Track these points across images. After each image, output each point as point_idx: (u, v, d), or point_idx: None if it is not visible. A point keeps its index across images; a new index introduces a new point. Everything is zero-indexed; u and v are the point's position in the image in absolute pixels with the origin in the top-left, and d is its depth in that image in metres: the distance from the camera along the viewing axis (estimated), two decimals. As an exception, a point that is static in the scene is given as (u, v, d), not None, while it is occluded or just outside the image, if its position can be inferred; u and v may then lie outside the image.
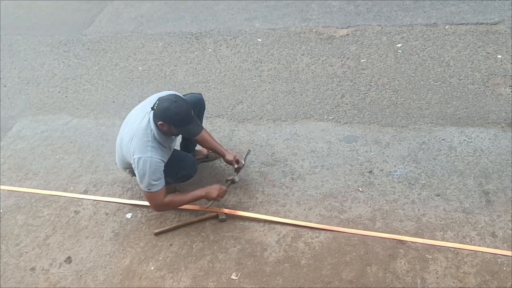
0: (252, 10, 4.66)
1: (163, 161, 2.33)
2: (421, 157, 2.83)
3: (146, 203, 2.78)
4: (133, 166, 2.33)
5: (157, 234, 2.58)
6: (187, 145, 2.92)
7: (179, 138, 2.78)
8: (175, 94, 2.28)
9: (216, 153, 2.72)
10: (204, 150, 3.02)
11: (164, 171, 2.37)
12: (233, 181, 2.66)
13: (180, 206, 2.56)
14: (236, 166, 2.66)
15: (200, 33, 4.44)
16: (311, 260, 2.35)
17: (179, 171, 2.54)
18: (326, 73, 3.66)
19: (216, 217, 2.60)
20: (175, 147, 2.67)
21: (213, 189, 2.49)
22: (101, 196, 2.91)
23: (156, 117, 2.26)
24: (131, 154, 2.32)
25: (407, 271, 2.24)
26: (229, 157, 2.65)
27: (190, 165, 2.59)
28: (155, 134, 2.30)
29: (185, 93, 2.78)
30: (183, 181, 2.66)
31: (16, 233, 2.75)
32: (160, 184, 2.33)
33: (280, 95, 3.52)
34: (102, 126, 3.50)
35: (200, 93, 2.81)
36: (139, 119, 2.35)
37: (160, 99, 2.25)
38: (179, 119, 2.22)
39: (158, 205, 2.44)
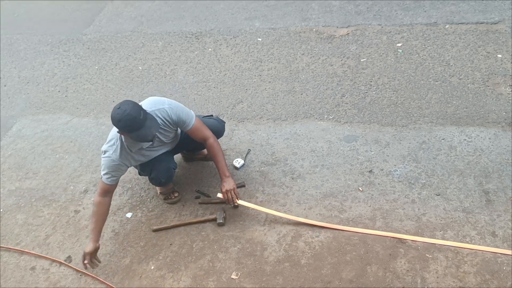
0: (252, 9, 4.66)
1: (123, 163, 2.37)
2: (421, 156, 2.83)
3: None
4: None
5: (155, 230, 2.59)
6: (188, 150, 2.93)
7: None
8: (125, 100, 2.23)
9: (216, 168, 2.57)
10: (205, 150, 3.01)
11: (142, 168, 2.57)
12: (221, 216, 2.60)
13: (91, 220, 2.42)
14: (224, 198, 2.50)
15: (200, 32, 4.44)
16: (311, 260, 2.35)
17: (151, 172, 2.56)
18: (326, 73, 3.66)
19: (214, 220, 2.58)
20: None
21: (86, 251, 2.33)
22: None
23: None
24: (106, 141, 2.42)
25: (407, 270, 2.24)
26: (224, 186, 2.47)
27: (161, 170, 2.56)
28: (122, 137, 2.34)
29: (208, 115, 2.76)
30: (155, 184, 2.64)
31: (16, 233, 2.75)
32: (106, 179, 2.37)
33: (280, 94, 3.52)
34: (102, 126, 3.49)
35: (224, 122, 2.80)
36: None
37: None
38: (123, 126, 2.19)
39: (97, 193, 2.43)
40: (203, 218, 2.61)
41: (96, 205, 2.40)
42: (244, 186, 2.73)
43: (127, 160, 2.39)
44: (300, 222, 2.53)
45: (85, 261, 2.33)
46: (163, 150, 2.56)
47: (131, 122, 2.16)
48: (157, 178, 2.57)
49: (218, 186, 2.82)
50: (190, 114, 2.46)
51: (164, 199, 2.78)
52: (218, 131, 2.70)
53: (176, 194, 2.78)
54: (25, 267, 2.54)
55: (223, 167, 2.51)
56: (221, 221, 2.55)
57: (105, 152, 2.36)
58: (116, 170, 2.37)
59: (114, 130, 2.35)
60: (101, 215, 2.41)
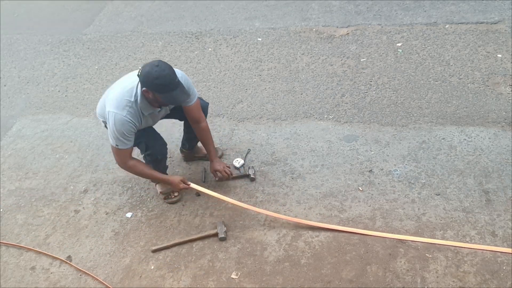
0: (252, 9, 4.66)
1: (136, 126, 2.32)
2: (421, 156, 2.83)
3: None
4: (106, 117, 2.33)
5: (154, 251, 2.51)
6: (190, 139, 2.93)
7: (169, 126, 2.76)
8: (160, 60, 2.20)
9: (206, 152, 2.76)
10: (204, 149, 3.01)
11: (136, 142, 2.46)
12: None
13: (142, 176, 2.61)
14: (216, 178, 2.76)
15: (200, 32, 4.44)
16: (311, 259, 2.35)
17: (146, 148, 2.54)
18: (326, 72, 3.66)
19: (215, 235, 2.53)
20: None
21: (176, 182, 2.54)
22: (101, 195, 2.91)
23: (141, 83, 2.21)
24: (108, 104, 2.31)
25: (407, 270, 2.24)
26: (216, 166, 2.71)
27: (157, 146, 2.58)
28: (138, 98, 2.27)
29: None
30: (150, 161, 2.62)
31: (16, 232, 2.75)
32: (127, 144, 2.35)
33: (280, 94, 3.52)
34: (102, 125, 3.49)
35: (208, 103, 2.82)
36: (131, 78, 2.35)
37: (144, 65, 2.19)
38: (160, 84, 2.13)
39: (121, 163, 2.47)
40: (204, 234, 2.53)
41: (137, 164, 2.47)
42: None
43: (138, 122, 2.34)
44: (298, 222, 2.53)
45: (184, 186, 2.57)
46: (158, 117, 2.56)
47: (169, 82, 2.15)
48: (153, 155, 2.58)
49: (217, 186, 2.82)
50: (195, 90, 2.53)
51: (164, 198, 2.78)
52: (203, 109, 2.74)
53: (176, 194, 2.78)
54: (25, 267, 2.54)
55: (214, 150, 2.73)
56: (222, 235, 2.49)
57: (115, 114, 2.25)
58: (131, 133, 2.33)
59: (124, 94, 2.28)
60: (147, 166, 2.53)
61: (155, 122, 2.57)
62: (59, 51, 4.53)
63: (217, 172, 2.72)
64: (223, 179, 2.74)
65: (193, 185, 2.61)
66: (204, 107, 2.72)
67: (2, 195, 3.03)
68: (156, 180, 2.64)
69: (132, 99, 2.27)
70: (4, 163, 3.29)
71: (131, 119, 2.27)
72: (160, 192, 2.79)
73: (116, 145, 2.35)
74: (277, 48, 4.03)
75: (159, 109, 2.44)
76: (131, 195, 2.88)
